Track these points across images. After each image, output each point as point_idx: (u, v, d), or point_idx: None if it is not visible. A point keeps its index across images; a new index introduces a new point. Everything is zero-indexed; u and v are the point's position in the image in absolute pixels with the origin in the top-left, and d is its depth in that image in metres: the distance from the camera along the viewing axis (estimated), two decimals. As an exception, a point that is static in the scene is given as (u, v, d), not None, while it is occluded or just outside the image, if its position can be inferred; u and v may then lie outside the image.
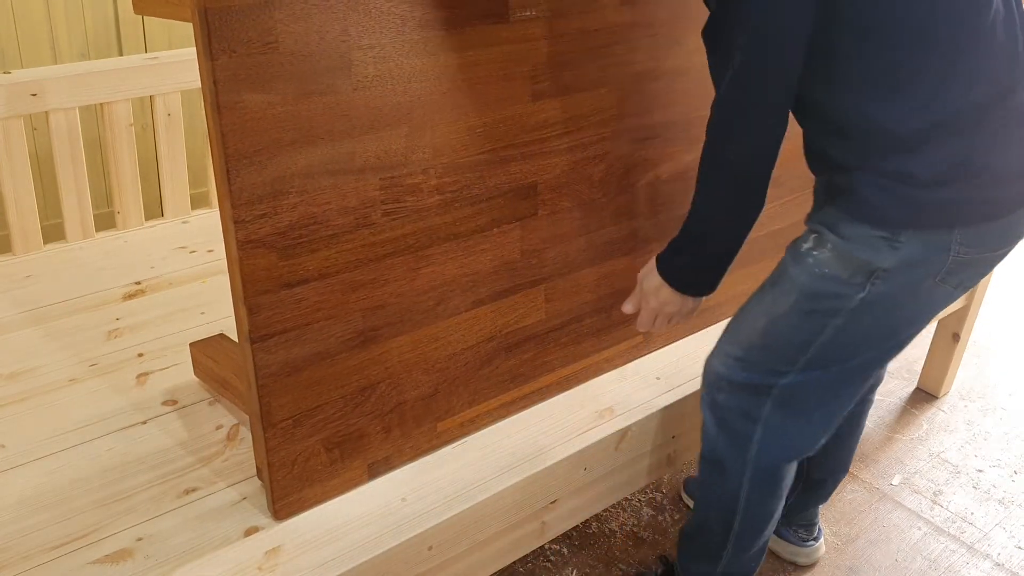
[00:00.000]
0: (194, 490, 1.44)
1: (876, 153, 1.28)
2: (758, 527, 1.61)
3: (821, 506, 1.91)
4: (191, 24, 1.14)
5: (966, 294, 2.37)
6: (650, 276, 1.46)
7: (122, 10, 2.54)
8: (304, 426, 1.33)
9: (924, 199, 1.27)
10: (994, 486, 2.23)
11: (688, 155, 1.71)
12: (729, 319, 1.55)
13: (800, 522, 1.91)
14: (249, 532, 1.36)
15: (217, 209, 2.31)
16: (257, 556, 1.32)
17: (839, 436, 1.75)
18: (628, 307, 1.52)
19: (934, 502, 2.16)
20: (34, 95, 1.95)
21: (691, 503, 1.97)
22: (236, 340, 1.44)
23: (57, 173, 2.05)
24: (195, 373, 1.60)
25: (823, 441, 1.53)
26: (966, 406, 2.53)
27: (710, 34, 1.28)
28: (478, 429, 1.56)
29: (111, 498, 1.41)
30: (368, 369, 1.38)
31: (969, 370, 2.68)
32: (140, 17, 2.58)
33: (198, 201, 2.34)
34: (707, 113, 1.31)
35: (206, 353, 1.58)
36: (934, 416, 2.48)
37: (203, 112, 2.23)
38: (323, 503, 1.39)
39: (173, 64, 2.12)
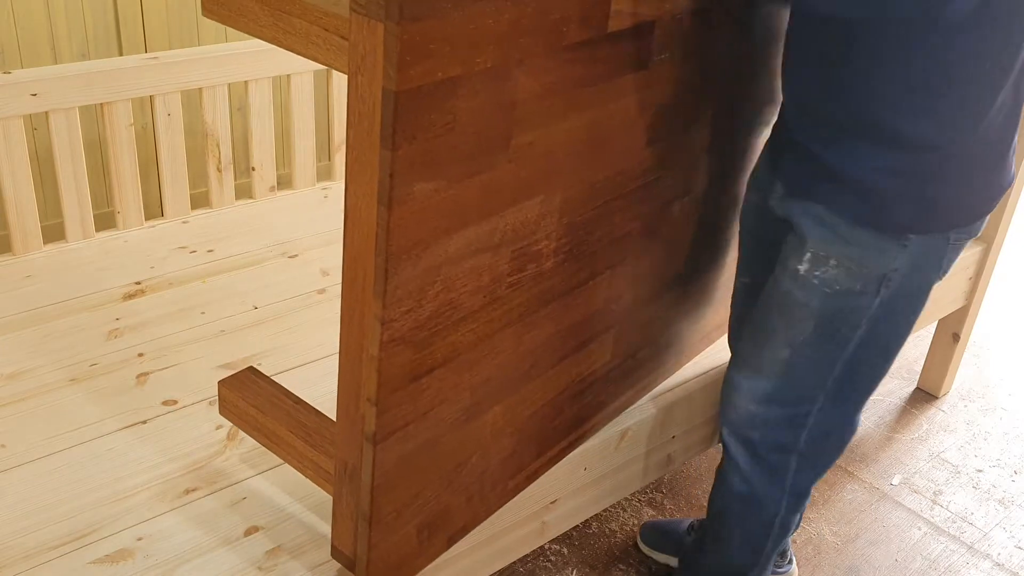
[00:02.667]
0: (194, 490, 1.44)
1: (911, 154, 1.24)
2: (784, 540, 1.61)
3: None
4: (263, 40, 1.05)
5: (967, 294, 2.37)
6: None
7: (122, 10, 2.54)
8: (404, 515, 1.24)
9: (943, 202, 1.27)
10: (994, 486, 2.23)
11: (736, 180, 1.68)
12: (733, 356, 1.54)
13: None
14: (249, 532, 1.36)
15: (216, 209, 2.31)
16: (257, 556, 1.32)
17: None
18: None
19: (934, 502, 2.16)
20: (34, 95, 1.95)
21: (655, 556, 1.91)
22: (268, 378, 1.39)
23: (57, 173, 2.05)
24: (222, 412, 1.42)
25: (845, 447, 1.55)
26: (966, 406, 2.53)
27: None
28: (539, 476, 1.51)
29: (111, 498, 1.41)
30: (465, 445, 1.29)
31: (969, 370, 2.68)
32: (140, 17, 2.58)
33: (198, 201, 2.34)
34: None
35: (243, 397, 1.39)
36: (934, 416, 2.48)
37: (203, 112, 2.23)
38: None
39: (173, 64, 2.12)
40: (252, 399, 1.37)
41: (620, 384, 1.62)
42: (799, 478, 1.52)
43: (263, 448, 1.53)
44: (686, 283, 1.66)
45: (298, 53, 1.05)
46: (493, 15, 0.96)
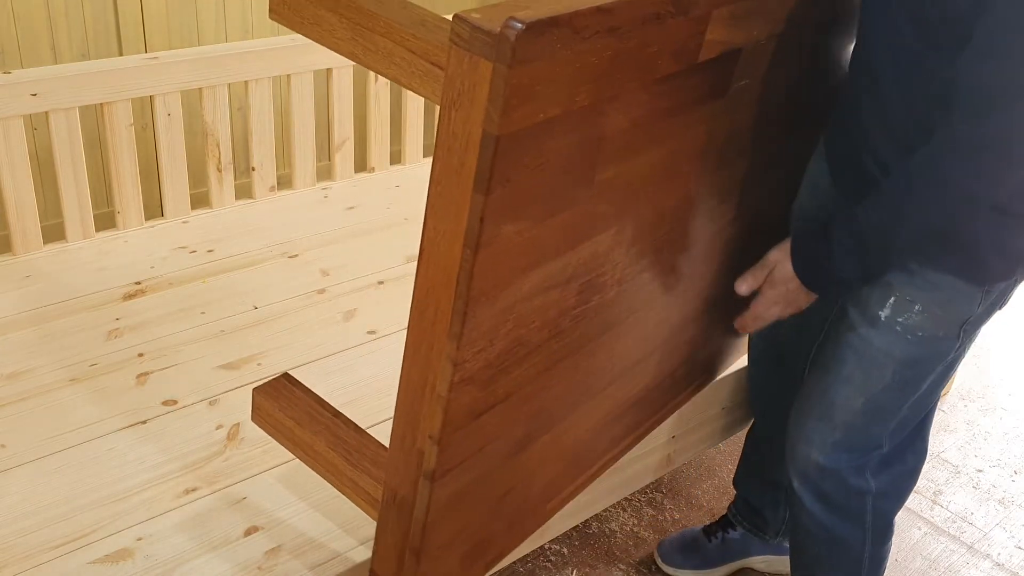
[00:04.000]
0: (194, 490, 1.44)
1: (1011, 216, 1.22)
2: (880, 567, 1.59)
3: None
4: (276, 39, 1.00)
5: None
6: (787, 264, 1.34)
7: (122, 10, 2.54)
8: (452, 548, 1.22)
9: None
10: (994, 486, 2.23)
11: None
12: (797, 405, 1.50)
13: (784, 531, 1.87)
14: (249, 532, 1.36)
15: (216, 209, 2.31)
16: (257, 556, 1.32)
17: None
18: (744, 288, 1.39)
19: (934, 502, 2.16)
20: (34, 95, 1.95)
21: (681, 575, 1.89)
22: (305, 386, 1.35)
23: (57, 173, 2.05)
24: (254, 419, 1.36)
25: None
26: (966, 406, 2.53)
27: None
28: (573, 498, 1.48)
29: (111, 498, 1.41)
30: (512, 474, 1.26)
31: (969, 370, 2.68)
32: (140, 17, 2.58)
33: (198, 201, 2.34)
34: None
35: (280, 407, 1.32)
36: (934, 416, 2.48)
37: (203, 112, 2.23)
38: None
39: (173, 64, 2.12)
40: (289, 410, 1.31)
41: (656, 403, 1.60)
42: (879, 514, 1.50)
43: (263, 448, 1.53)
44: (726, 303, 1.63)
45: (379, 72, 0.99)
46: (597, 52, 0.90)
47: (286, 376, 1.37)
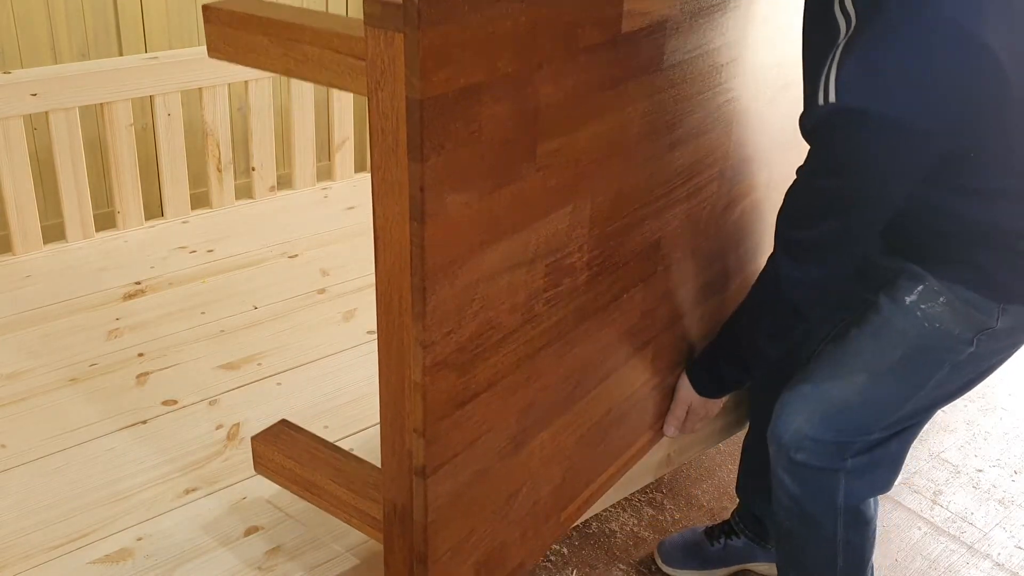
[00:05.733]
0: (194, 490, 1.44)
1: (1005, 240, 1.27)
2: (862, 561, 1.58)
3: None
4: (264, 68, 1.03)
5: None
6: (690, 391, 1.59)
7: (122, 10, 2.54)
8: (460, 554, 1.19)
9: None
10: (994, 486, 2.23)
11: (765, 183, 1.66)
12: (798, 376, 1.51)
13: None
14: (249, 532, 1.36)
15: (216, 209, 2.31)
16: (257, 556, 1.32)
17: None
18: (674, 431, 1.62)
19: (934, 502, 2.16)
20: (34, 95, 1.95)
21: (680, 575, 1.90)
22: (301, 428, 1.36)
23: (57, 173, 2.05)
24: (256, 469, 1.36)
25: (901, 471, 1.54)
26: (966, 406, 2.53)
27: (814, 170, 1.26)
28: (589, 506, 1.48)
29: (111, 498, 1.41)
30: (515, 475, 1.25)
31: (969, 370, 2.67)
32: (140, 17, 2.58)
33: (198, 201, 2.34)
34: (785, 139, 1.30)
35: (279, 450, 1.33)
36: (934, 416, 2.48)
37: (203, 112, 2.23)
38: None
39: (173, 64, 2.12)
40: (288, 451, 1.32)
41: (663, 403, 1.60)
42: (851, 495, 1.50)
43: (263, 448, 1.53)
44: (723, 293, 1.64)
45: (312, 81, 1.02)
46: (511, 17, 0.94)
47: (283, 422, 1.39)
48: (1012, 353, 1.40)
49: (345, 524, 1.38)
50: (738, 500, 1.88)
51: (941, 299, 1.32)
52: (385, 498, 1.15)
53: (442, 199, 0.95)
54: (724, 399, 1.61)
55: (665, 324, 1.50)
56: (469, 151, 0.96)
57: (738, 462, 1.87)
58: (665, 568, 1.88)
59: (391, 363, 1.05)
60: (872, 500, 1.54)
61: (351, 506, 1.25)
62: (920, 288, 1.33)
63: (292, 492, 1.33)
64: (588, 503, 1.47)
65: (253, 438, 1.34)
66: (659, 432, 1.64)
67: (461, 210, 0.98)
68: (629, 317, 1.39)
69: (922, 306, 1.33)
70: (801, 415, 1.45)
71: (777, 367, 1.61)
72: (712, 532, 1.88)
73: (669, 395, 1.62)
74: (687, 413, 1.61)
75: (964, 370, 1.37)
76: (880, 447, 1.46)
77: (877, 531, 1.60)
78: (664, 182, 1.35)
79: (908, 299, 1.34)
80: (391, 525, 1.17)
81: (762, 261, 1.65)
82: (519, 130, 1.03)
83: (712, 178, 1.48)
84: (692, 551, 1.88)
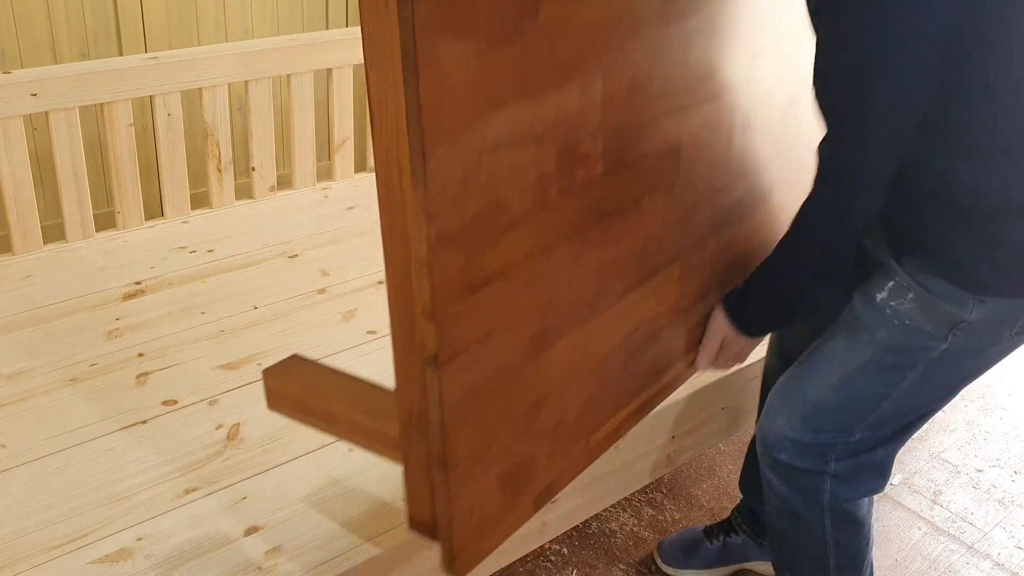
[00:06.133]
0: (194, 490, 1.44)
1: (980, 219, 1.24)
2: (856, 561, 1.57)
3: None
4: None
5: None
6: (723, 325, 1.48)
7: (122, 10, 2.54)
8: (482, 461, 1.13)
9: (1018, 266, 1.25)
10: (994, 486, 2.23)
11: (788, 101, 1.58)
12: (780, 379, 1.51)
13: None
14: (249, 532, 1.36)
15: (216, 209, 2.31)
16: (257, 556, 1.32)
17: None
18: (706, 364, 1.52)
19: (934, 502, 2.16)
20: (34, 95, 1.95)
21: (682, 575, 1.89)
22: (312, 361, 1.32)
23: (57, 173, 2.05)
24: (271, 406, 1.32)
25: (890, 473, 1.52)
26: (966, 406, 2.53)
27: (823, 87, 1.21)
28: (622, 436, 1.41)
29: (111, 498, 1.41)
30: (536, 381, 1.19)
31: (969, 370, 2.67)
32: (140, 17, 2.58)
33: (198, 201, 2.34)
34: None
35: (291, 382, 1.31)
36: (934, 416, 2.48)
37: (203, 112, 2.23)
38: (495, 548, 1.20)
39: (173, 64, 2.12)
40: (300, 383, 1.29)
41: (696, 332, 1.51)
42: (836, 498, 1.49)
43: (263, 448, 1.53)
44: (749, 219, 1.56)
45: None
46: None
47: (295, 357, 1.35)
48: (994, 356, 1.36)
49: (344, 525, 1.39)
50: (740, 495, 1.88)
51: (910, 295, 1.30)
52: (400, 406, 1.09)
53: (435, 46, 0.89)
54: (759, 340, 1.50)
55: (690, 243, 1.42)
56: None
57: (738, 462, 1.87)
58: (665, 568, 1.88)
59: (396, 246, 0.99)
60: (863, 501, 1.52)
61: (368, 429, 1.21)
62: (890, 284, 1.32)
63: (309, 425, 1.29)
64: (618, 432, 1.39)
65: (265, 371, 1.30)
66: (691, 365, 1.55)
67: (458, 65, 0.92)
68: (650, 226, 1.32)
69: (891, 303, 1.32)
70: (782, 416, 1.46)
71: (786, 357, 1.61)
72: (711, 531, 1.88)
73: (701, 327, 1.53)
74: (720, 348, 1.50)
75: (940, 370, 1.34)
76: (866, 453, 1.45)
77: (876, 531, 1.59)
78: (682, 78, 1.27)
79: (879, 296, 1.33)
80: (408, 435, 1.10)
81: (789, 193, 1.60)
82: None
83: (739, 82, 1.40)
84: (691, 550, 1.88)
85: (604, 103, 1.15)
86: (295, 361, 1.35)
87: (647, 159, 1.26)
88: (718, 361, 1.52)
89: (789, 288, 1.39)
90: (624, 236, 1.27)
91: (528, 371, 1.16)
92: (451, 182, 0.95)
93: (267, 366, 1.36)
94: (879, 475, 1.49)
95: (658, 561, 1.89)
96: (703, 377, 1.80)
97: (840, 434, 1.42)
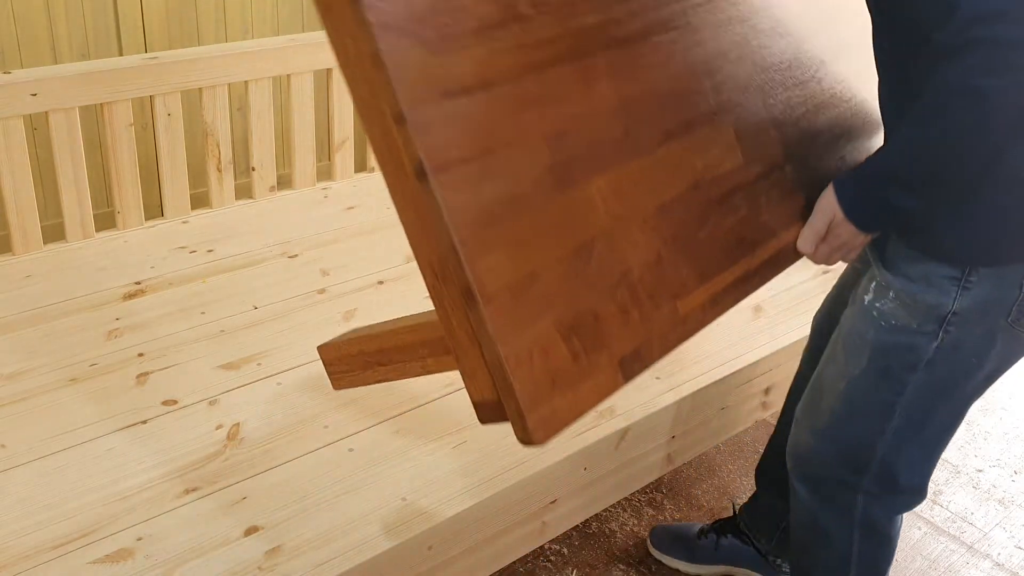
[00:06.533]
0: (194, 490, 1.44)
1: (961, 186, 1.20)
2: (880, 571, 1.55)
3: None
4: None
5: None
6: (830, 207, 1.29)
7: (122, 10, 2.54)
8: (525, 300, 1.00)
9: (1001, 231, 1.21)
10: (994, 486, 2.23)
11: None
12: (808, 387, 1.48)
13: (780, 552, 1.84)
14: (249, 532, 1.36)
15: (216, 209, 2.31)
16: (257, 556, 1.32)
17: None
18: (809, 246, 1.31)
19: (934, 502, 2.16)
20: (34, 95, 1.95)
21: (665, 559, 1.89)
22: (367, 326, 1.24)
23: (57, 173, 2.05)
24: (335, 385, 1.27)
25: (925, 489, 1.47)
26: (966, 406, 2.53)
27: None
28: (721, 311, 1.25)
29: (111, 498, 1.41)
30: (574, 219, 1.08)
31: (969, 370, 2.67)
32: (140, 17, 2.58)
33: (198, 201, 2.34)
34: None
35: (343, 347, 1.24)
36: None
37: (203, 112, 2.23)
38: (579, 416, 1.05)
39: (173, 64, 2.12)
40: (350, 344, 1.23)
41: (786, 206, 1.36)
42: (868, 513, 1.46)
43: (263, 448, 1.53)
44: (816, 84, 1.44)
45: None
46: None
47: (352, 332, 1.29)
48: (1004, 351, 1.31)
49: (344, 524, 1.38)
50: (740, 495, 1.88)
51: (891, 293, 1.29)
52: (420, 259, 1.00)
53: None
54: (867, 235, 1.28)
55: (737, 98, 1.31)
56: None
57: (738, 461, 1.87)
58: (652, 551, 1.91)
59: (342, 40, 0.93)
60: (897, 518, 1.49)
61: (424, 350, 1.14)
62: (873, 285, 1.31)
63: (377, 382, 1.22)
64: (717, 305, 1.25)
65: (320, 347, 1.26)
66: (794, 248, 1.36)
67: None
68: (674, 68, 1.22)
69: (877, 304, 1.31)
70: (806, 428, 1.45)
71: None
72: (704, 528, 1.88)
73: (796, 203, 1.38)
74: (827, 233, 1.30)
75: (942, 371, 1.31)
76: (898, 469, 1.41)
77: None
78: None
79: (866, 299, 1.32)
80: (437, 287, 1.00)
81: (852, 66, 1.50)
82: None
83: None
84: (681, 540, 1.89)
85: None
86: (348, 334, 1.29)
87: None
88: (822, 248, 1.31)
89: (908, 176, 1.20)
90: (640, 72, 1.18)
91: (555, 205, 1.06)
92: None
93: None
94: (913, 493, 1.45)
95: (649, 545, 1.92)
96: (703, 377, 1.80)
97: (865, 447, 1.39)
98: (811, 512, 1.49)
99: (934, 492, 2.19)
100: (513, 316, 0.99)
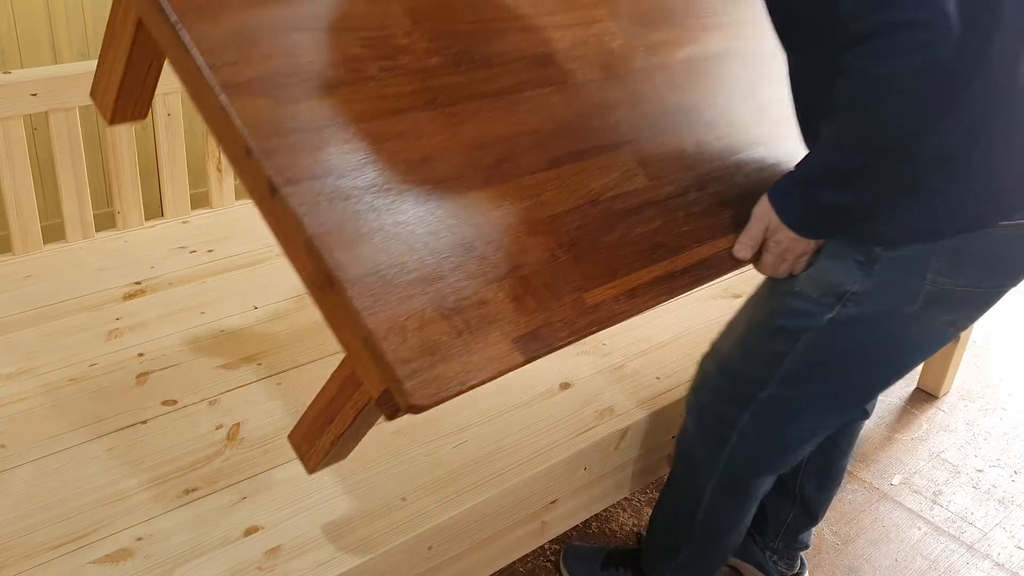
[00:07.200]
0: (194, 490, 1.44)
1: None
2: (716, 535, 1.60)
3: (809, 539, 1.87)
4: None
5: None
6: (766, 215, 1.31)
7: (122, 10, 2.54)
8: (396, 285, 1.09)
9: (910, 209, 1.24)
10: (994, 486, 2.23)
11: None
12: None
13: (784, 553, 1.86)
14: (249, 532, 1.36)
15: (216, 209, 2.31)
16: (257, 556, 1.32)
17: (825, 453, 1.72)
18: (745, 252, 1.33)
19: (934, 502, 2.16)
20: (34, 95, 1.95)
21: None
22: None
23: (57, 173, 2.05)
24: (310, 466, 1.27)
25: (795, 461, 1.52)
26: (966, 406, 2.53)
27: None
28: (646, 304, 1.28)
29: (111, 498, 1.41)
30: (445, 221, 1.17)
31: (969, 370, 2.68)
32: (140, 17, 2.58)
33: (198, 201, 2.34)
34: None
35: (304, 421, 1.27)
36: (934, 416, 2.48)
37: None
38: (470, 381, 1.10)
39: (173, 64, 2.12)
40: (306, 415, 1.27)
41: (711, 219, 1.40)
42: (734, 459, 1.50)
43: (263, 448, 1.53)
44: (734, 125, 1.52)
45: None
46: None
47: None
48: (909, 334, 1.33)
49: (344, 524, 1.39)
50: None
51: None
52: (302, 276, 1.11)
53: None
54: (805, 240, 1.30)
55: (637, 133, 1.40)
56: None
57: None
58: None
59: (209, 101, 1.12)
60: (755, 482, 1.53)
61: (344, 385, 1.18)
62: None
63: (333, 444, 1.25)
64: (635, 297, 1.28)
65: (289, 436, 1.29)
66: (727, 252, 1.39)
67: None
68: (558, 112, 1.34)
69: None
70: (710, 356, 1.52)
71: None
72: (611, 556, 1.83)
73: (708, 213, 1.42)
74: (765, 239, 1.32)
75: (833, 340, 1.33)
76: (780, 421, 1.44)
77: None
78: (523, 5, 1.38)
79: None
80: (319, 297, 1.10)
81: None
82: None
83: (602, 17, 1.49)
84: (588, 566, 1.85)
85: (409, 13, 1.27)
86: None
87: (509, 61, 1.33)
88: (766, 258, 1.33)
89: (835, 174, 1.22)
90: (515, 116, 1.30)
91: (426, 211, 1.17)
92: (223, 45, 1.12)
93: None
94: (784, 451, 1.48)
95: (562, 567, 1.88)
96: (703, 377, 1.80)
97: (749, 386, 1.43)
98: (691, 437, 1.54)
99: (934, 492, 2.19)
100: (381, 297, 1.08)
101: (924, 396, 2.56)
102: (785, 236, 1.29)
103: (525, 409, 1.66)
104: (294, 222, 1.07)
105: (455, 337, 1.12)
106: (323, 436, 1.25)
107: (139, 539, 1.34)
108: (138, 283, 1.97)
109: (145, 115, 1.45)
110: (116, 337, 1.79)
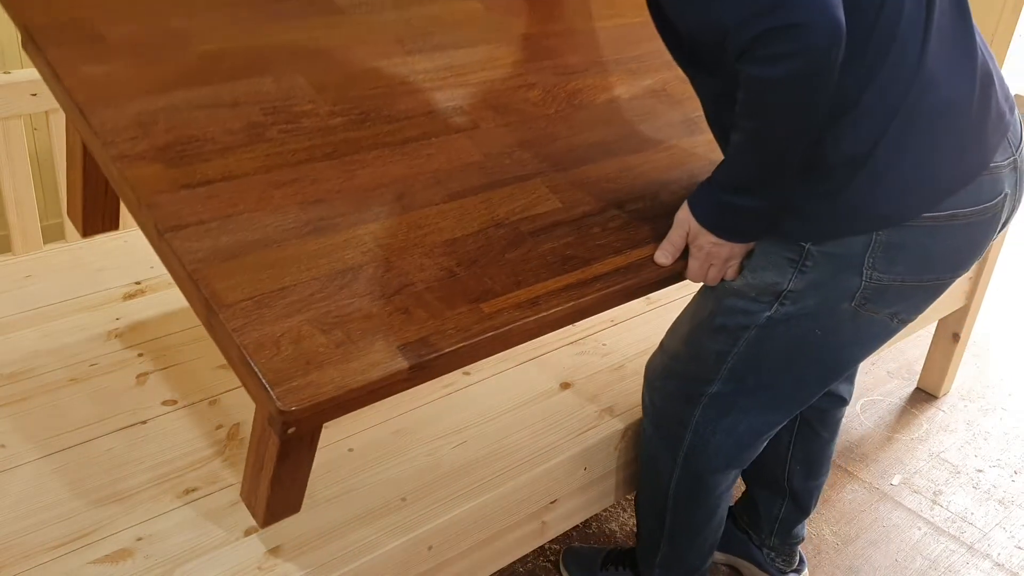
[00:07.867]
0: (194, 490, 1.44)
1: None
2: (687, 533, 1.61)
3: (803, 532, 1.87)
4: None
5: (967, 294, 2.37)
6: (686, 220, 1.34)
7: (122, 10, 2.54)
8: (273, 307, 1.16)
9: (829, 205, 1.25)
10: (994, 486, 2.23)
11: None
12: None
13: (781, 549, 1.86)
14: (249, 532, 1.36)
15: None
16: (257, 556, 1.32)
17: (809, 443, 1.73)
18: (666, 259, 1.36)
19: (934, 502, 2.16)
20: (34, 95, 1.95)
21: None
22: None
23: (57, 173, 2.05)
24: (262, 519, 1.31)
25: (752, 456, 1.52)
26: (966, 406, 2.53)
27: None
28: (547, 311, 1.29)
29: (111, 498, 1.41)
30: (337, 253, 1.24)
31: (969, 370, 2.68)
32: (140, 17, 2.58)
33: (198, 201, 2.34)
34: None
35: (246, 475, 1.32)
36: (934, 416, 2.48)
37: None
38: (348, 386, 1.13)
39: (173, 64, 2.13)
40: (246, 468, 1.32)
41: (626, 234, 1.43)
42: (691, 457, 1.51)
43: (263, 448, 1.53)
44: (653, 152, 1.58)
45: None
46: None
47: None
48: (847, 328, 1.33)
49: (344, 524, 1.38)
50: (736, 497, 1.88)
51: (743, 259, 1.36)
52: (198, 313, 1.20)
53: (75, 68, 1.28)
54: (729, 243, 1.32)
55: (548, 166, 1.46)
56: (97, 48, 1.31)
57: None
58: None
59: (107, 170, 1.26)
60: (715, 478, 1.53)
61: (262, 421, 1.23)
62: None
63: (273, 488, 1.29)
64: (538, 305, 1.30)
65: (240, 494, 1.36)
66: (641, 263, 1.40)
67: (106, 76, 1.28)
68: (465, 155, 1.41)
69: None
70: (656, 356, 1.54)
71: None
72: (611, 556, 1.84)
73: (622, 228, 1.45)
74: (690, 242, 1.35)
75: (773, 336, 1.35)
76: (732, 416, 1.45)
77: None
78: (419, 73, 1.48)
79: None
80: (210, 327, 1.19)
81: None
82: (159, 30, 1.35)
83: (521, 72, 1.59)
84: (585, 565, 1.87)
85: (314, 86, 1.39)
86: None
87: (415, 116, 1.43)
88: (692, 264, 1.37)
89: (745, 177, 1.25)
90: (418, 160, 1.39)
91: (312, 245, 1.25)
92: (123, 128, 1.26)
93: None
94: (738, 447, 1.49)
95: (562, 567, 1.89)
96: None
97: (697, 383, 1.45)
98: (649, 439, 1.57)
99: (934, 492, 2.19)
100: (256, 318, 1.16)
101: (924, 396, 2.56)
102: (706, 240, 1.32)
103: (525, 409, 1.66)
104: (177, 261, 1.18)
105: (334, 348, 1.16)
106: (260, 484, 1.28)
107: (139, 539, 1.34)
108: (138, 283, 1.97)
109: (116, 225, 1.65)
110: (116, 337, 1.79)
